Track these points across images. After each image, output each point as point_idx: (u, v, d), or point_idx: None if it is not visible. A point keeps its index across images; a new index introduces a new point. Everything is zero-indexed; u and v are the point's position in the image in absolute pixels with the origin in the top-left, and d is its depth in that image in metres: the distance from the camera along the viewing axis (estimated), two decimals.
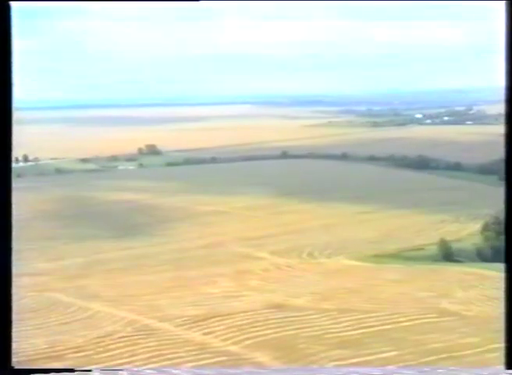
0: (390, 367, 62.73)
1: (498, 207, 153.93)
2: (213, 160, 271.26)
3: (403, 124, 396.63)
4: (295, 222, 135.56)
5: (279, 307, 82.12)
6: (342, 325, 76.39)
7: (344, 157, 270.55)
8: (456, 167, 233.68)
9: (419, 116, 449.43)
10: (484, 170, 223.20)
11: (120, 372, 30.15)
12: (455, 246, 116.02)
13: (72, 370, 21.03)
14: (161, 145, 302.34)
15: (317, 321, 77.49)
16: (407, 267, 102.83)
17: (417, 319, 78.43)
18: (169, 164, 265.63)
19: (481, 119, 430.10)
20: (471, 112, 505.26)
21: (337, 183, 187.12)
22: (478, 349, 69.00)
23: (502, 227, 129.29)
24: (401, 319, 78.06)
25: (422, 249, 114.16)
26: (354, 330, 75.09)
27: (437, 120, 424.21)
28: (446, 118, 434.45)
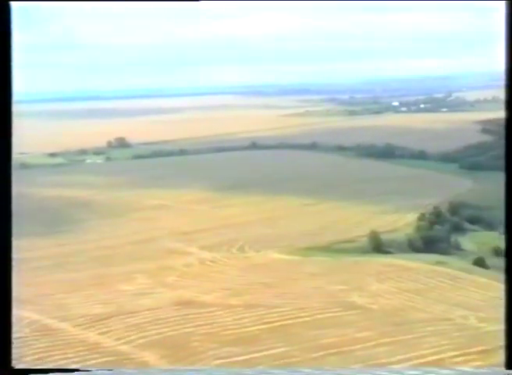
0: (395, 367, 62.56)
1: (445, 196, 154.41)
2: (181, 152, 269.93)
3: (378, 112, 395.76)
4: (237, 215, 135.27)
5: (186, 304, 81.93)
6: (243, 321, 76.24)
7: (313, 147, 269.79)
8: (420, 155, 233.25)
9: (396, 103, 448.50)
10: (447, 158, 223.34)
11: (120, 372, 30.15)
12: (389, 237, 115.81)
13: (72, 370, 21.33)
14: (132, 138, 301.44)
15: (219, 318, 77.32)
16: (333, 260, 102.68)
17: (320, 313, 78.31)
18: (137, 157, 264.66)
19: (457, 105, 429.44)
20: (450, 98, 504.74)
21: (294, 175, 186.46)
22: (370, 343, 68.85)
23: (439, 217, 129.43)
24: (304, 314, 77.95)
25: (354, 241, 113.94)
26: (254, 326, 74.96)
27: (413, 108, 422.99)
28: (422, 105, 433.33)
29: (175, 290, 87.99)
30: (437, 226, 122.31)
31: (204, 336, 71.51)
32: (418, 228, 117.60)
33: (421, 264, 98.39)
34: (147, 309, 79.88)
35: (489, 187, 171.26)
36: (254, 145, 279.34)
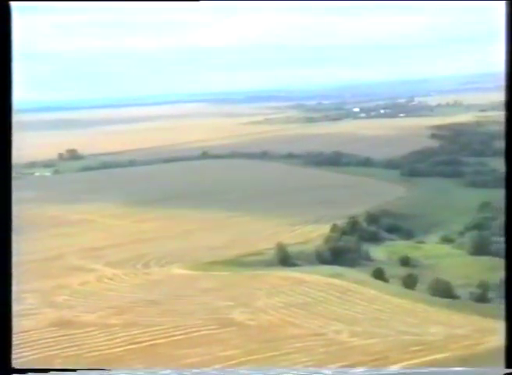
0: (395, 368, 61.80)
1: (374, 205, 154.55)
2: (130, 163, 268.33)
3: (337, 119, 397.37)
4: (155, 229, 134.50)
5: (64, 324, 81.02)
6: (114, 341, 75.47)
7: (264, 155, 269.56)
8: (366, 162, 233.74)
9: (356, 109, 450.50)
10: (391, 165, 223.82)
11: (118, 373, 29.49)
12: (299, 249, 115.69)
13: (73, 370, 21.21)
14: (85, 149, 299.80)
15: (91, 338, 76.50)
16: (232, 274, 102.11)
17: (195, 331, 77.71)
18: (87, 169, 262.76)
19: (416, 110, 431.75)
20: (412, 103, 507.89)
21: (231, 185, 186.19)
22: (230, 362, 68.32)
23: (354, 227, 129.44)
24: (178, 333, 77.34)
25: (262, 254, 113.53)
26: (123, 346, 74.24)
27: (373, 113, 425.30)
28: (382, 111, 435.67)
29: (60, 310, 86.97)
30: (349, 237, 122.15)
31: (66, 358, 70.62)
32: (328, 239, 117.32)
33: (318, 277, 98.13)
34: (22, 331, 78.67)
35: (420, 195, 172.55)
36: (205, 155, 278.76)
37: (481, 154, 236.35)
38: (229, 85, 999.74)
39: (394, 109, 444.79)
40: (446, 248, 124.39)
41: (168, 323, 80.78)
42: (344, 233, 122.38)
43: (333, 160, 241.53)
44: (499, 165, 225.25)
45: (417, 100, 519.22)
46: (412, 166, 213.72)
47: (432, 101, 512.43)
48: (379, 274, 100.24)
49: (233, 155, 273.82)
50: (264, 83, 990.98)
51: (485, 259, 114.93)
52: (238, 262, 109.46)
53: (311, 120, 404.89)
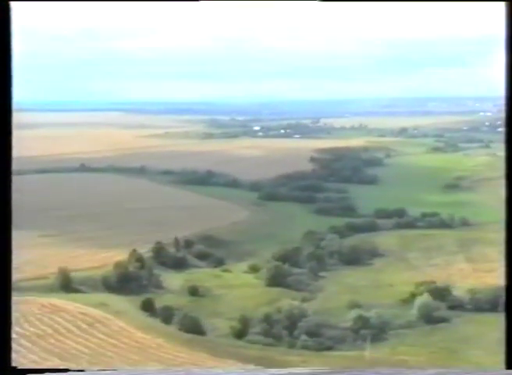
0: (395, 368, 58.44)
1: (199, 229, 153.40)
2: None
3: (234, 136, 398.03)
4: None
5: None
6: None
7: (141, 171, 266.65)
8: (232, 184, 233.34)
9: (257, 128, 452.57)
10: (254, 188, 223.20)
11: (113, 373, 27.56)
12: (88, 274, 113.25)
13: (72, 370, 22.89)
14: None
15: None
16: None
17: None
18: None
19: (315, 132, 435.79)
20: (316, 124, 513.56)
21: (69, 202, 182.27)
22: None
23: (159, 253, 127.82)
24: None
25: (46, 278, 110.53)
26: None
27: (271, 133, 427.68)
28: (282, 131, 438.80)
29: None
30: (150, 262, 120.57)
31: None
32: (122, 265, 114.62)
33: (78, 305, 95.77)
34: None
35: (260, 220, 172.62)
36: (83, 167, 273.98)
37: (345, 180, 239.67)
38: (155, 94, 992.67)
39: (294, 130, 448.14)
40: (248, 278, 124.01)
41: None
42: (143, 259, 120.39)
43: (203, 180, 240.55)
44: (353, 192, 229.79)
45: (322, 121, 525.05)
46: (272, 190, 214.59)
47: (339, 123, 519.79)
48: (148, 305, 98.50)
49: (109, 169, 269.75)
50: (191, 95, 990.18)
51: (275, 291, 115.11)
52: (20, 287, 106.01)
53: (208, 136, 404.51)
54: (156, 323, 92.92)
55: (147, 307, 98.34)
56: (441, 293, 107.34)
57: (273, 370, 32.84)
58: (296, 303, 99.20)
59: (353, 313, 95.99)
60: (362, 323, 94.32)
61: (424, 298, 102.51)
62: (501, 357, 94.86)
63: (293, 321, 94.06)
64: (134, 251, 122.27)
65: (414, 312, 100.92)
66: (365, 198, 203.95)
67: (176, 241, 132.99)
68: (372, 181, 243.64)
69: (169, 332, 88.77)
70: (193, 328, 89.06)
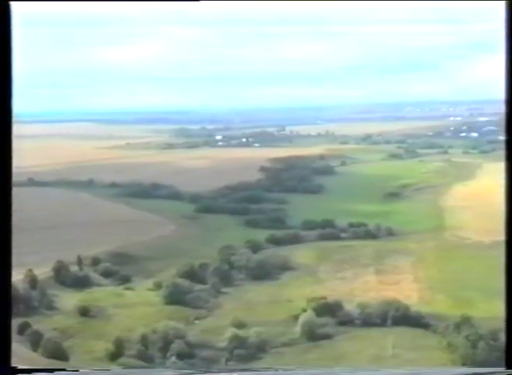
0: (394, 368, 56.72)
1: (115, 245, 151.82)
2: None
3: (195, 147, 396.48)
4: None
5: None
6: None
7: (88, 184, 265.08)
8: (174, 196, 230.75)
9: (219, 137, 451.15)
10: (194, 200, 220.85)
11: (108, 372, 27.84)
12: None
13: (73, 370, 21.25)
14: None
15: None
16: None
17: None
18: None
19: (277, 141, 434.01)
20: (282, 132, 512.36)
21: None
22: None
23: (59, 272, 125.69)
24: None
25: None
26: None
27: (233, 142, 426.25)
28: (244, 140, 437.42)
29: None
30: (48, 282, 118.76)
31: None
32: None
33: None
34: None
35: (185, 234, 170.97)
36: (31, 181, 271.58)
37: (289, 190, 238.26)
38: (130, 104, 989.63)
39: (257, 138, 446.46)
40: (150, 296, 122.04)
41: None
42: (36, 279, 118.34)
43: (146, 192, 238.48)
44: (292, 202, 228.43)
45: (289, 129, 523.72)
46: (210, 202, 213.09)
47: (306, 130, 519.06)
48: (22, 329, 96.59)
49: (58, 182, 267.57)
50: (167, 104, 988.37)
51: (170, 309, 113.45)
52: None
53: (169, 147, 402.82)
54: (21, 348, 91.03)
55: (21, 331, 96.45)
56: (331, 308, 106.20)
57: (280, 371, 31.73)
58: (172, 323, 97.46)
59: (229, 332, 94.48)
60: (237, 342, 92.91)
61: (307, 315, 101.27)
62: None
63: (167, 342, 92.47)
64: (30, 270, 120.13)
65: (297, 329, 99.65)
66: (301, 209, 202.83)
67: (79, 259, 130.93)
68: (316, 191, 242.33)
69: (31, 357, 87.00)
70: (55, 353, 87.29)
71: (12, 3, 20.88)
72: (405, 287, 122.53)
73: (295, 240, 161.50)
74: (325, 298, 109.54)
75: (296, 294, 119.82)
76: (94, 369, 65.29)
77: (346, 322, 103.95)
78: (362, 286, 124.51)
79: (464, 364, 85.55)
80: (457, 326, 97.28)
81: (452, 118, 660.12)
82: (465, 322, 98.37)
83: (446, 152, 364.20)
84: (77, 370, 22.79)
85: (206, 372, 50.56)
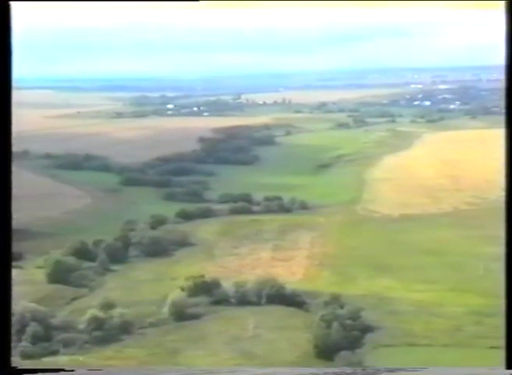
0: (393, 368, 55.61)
1: (23, 221, 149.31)
2: None
3: (144, 116, 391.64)
4: None
5: None
6: None
7: (23, 154, 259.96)
8: (104, 168, 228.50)
9: (170, 106, 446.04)
10: (123, 171, 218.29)
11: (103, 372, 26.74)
12: None
13: (73, 370, 22.23)
14: None
15: None
16: None
17: None
18: None
19: (230, 109, 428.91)
20: (237, 100, 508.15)
21: None
22: None
23: None
24: None
25: None
26: None
27: (184, 111, 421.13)
28: (195, 108, 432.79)
29: None
30: None
31: None
32: None
33: None
34: None
35: (96, 209, 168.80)
36: None
37: (222, 162, 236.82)
38: (92, 70, 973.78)
39: (209, 107, 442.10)
40: (37, 273, 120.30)
41: None
42: None
43: (78, 164, 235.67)
44: (220, 174, 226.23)
45: (244, 97, 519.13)
46: (135, 174, 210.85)
47: (262, 98, 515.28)
48: None
49: None
50: (129, 71, 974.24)
51: (51, 288, 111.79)
52: None
53: (118, 116, 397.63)
54: None
55: None
56: (207, 287, 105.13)
57: (280, 368, 31.44)
58: (32, 305, 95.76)
59: (89, 314, 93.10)
60: (97, 324, 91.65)
61: (177, 294, 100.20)
62: (223, 357, 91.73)
63: (23, 325, 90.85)
64: None
65: (165, 309, 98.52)
66: (225, 182, 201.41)
67: None
68: (249, 162, 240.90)
69: None
70: None
71: (12, 3, 21.81)
72: (295, 264, 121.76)
73: (206, 214, 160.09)
74: (202, 276, 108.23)
75: (183, 272, 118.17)
76: (88, 369, 65.03)
77: (221, 301, 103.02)
78: (253, 262, 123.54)
79: (316, 345, 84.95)
80: (326, 305, 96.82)
81: (413, 85, 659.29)
82: (334, 300, 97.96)
83: (393, 121, 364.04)
84: (73, 370, 23.35)
85: (206, 372, 49.75)
